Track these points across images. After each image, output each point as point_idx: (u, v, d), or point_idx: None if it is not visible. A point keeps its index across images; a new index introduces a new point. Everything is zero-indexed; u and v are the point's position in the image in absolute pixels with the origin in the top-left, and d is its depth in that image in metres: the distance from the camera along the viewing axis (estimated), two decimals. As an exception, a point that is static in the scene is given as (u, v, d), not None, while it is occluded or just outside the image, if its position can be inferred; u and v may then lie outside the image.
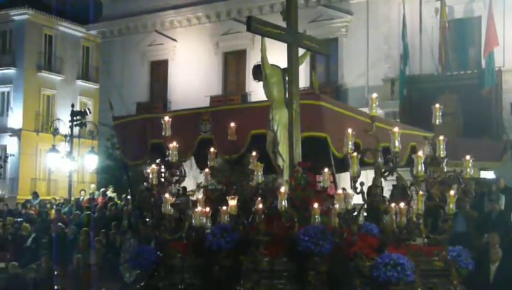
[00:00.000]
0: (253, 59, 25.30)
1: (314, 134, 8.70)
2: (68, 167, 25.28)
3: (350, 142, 6.77)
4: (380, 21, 22.82)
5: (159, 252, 7.11)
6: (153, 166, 7.26)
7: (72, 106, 26.50)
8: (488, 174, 17.33)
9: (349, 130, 6.82)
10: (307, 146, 7.84)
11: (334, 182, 8.36)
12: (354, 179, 6.65)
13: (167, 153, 7.31)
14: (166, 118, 7.52)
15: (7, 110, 36.62)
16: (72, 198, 23.72)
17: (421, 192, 6.50)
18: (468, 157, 7.04)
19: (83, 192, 24.41)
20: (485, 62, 19.95)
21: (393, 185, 8.19)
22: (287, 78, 7.74)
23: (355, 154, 6.61)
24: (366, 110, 12.61)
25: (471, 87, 19.85)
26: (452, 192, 6.65)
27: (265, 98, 7.99)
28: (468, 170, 7.07)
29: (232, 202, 6.76)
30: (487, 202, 14.37)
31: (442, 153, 7.07)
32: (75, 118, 25.34)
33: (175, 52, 27.56)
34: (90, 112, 27.23)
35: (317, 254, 6.08)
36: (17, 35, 36.64)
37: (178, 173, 7.35)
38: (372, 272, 5.86)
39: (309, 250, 6.05)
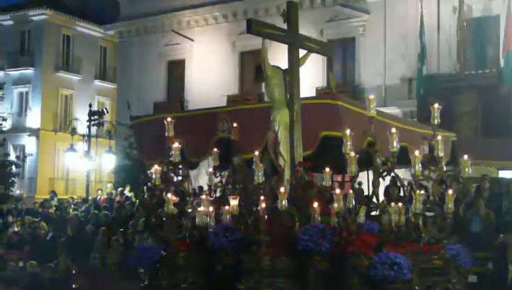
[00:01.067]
0: (271, 58, 25.26)
1: (331, 134, 8.66)
2: (86, 166, 25.43)
3: (349, 143, 6.76)
4: (398, 20, 22.70)
5: (162, 251, 7.19)
6: (156, 166, 7.34)
7: (90, 105, 26.69)
8: (507, 174, 17.17)
9: (348, 131, 6.83)
10: (325, 145, 7.83)
11: (351, 181, 8.37)
12: (352, 179, 6.67)
13: (175, 153, 7.38)
14: (169, 119, 7.64)
15: (26, 110, 36.94)
16: (90, 197, 23.86)
17: (418, 191, 6.56)
18: (465, 157, 7.04)
19: (100, 191, 24.54)
20: (503, 61, 19.78)
21: (386, 186, 8.21)
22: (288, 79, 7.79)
23: (352, 154, 6.62)
24: (383, 109, 12.62)
25: (489, 86, 19.68)
26: (450, 191, 6.70)
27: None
28: (467, 169, 7.01)
29: (234, 202, 6.84)
30: (505, 201, 14.25)
31: (441, 153, 7.07)
32: (92, 118, 25.50)
33: (192, 52, 27.62)
34: (107, 112, 27.41)
35: (317, 253, 6.16)
36: (35, 35, 36.95)
37: (183, 174, 7.57)
38: (369, 271, 5.95)
39: (309, 249, 6.14)
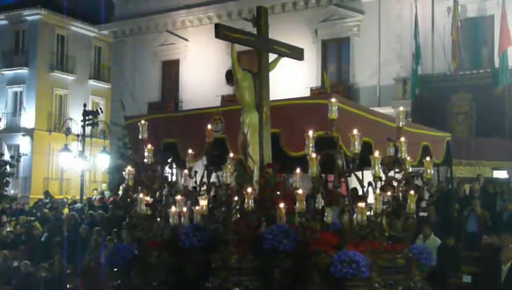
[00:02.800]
0: (264, 59, 25.29)
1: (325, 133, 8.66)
2: (80, 166, 25.38)
3: (311, 145, 6.89)
4: (392, 20, 22.73)
5: (135, 251, 7.39)
6: (129, 168, 7.55)
7: (84, 105, 26.63)
8: (501, 174, 17.23)
9: (310, 133, 6.96)
10: (319, 145, 7.83)
11: (346, 181, 8.39)
12: (312, 180, 6.74)
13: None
14: (143, 121, 7.86)
15: (20, 110, 36.83)
16: (84, 197, 23.81)
17: (378, 192, 6.72)
18: (428, 158, 7.26)
19: (95, 191, 24.51)
20: (498, 61, 19.83)
21: (351, 189, 8.36)
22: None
23: (314, 155, 6.73)
24: (378, 109, 12.62)
25: (484, 87, 19.73)
26: (412, 192, 6.87)
27: (276, 98, 8.01)
28: (429, 170, 7.21)
29: (203, 202, 7.08)
30: (499, 201, 14.30)
31: (404, 155, 7.20)
32: (87, 118, 25.45)
33: (186, 52, 27.60)
34: (102, 112, 27.36)
35: (281, 252, 6.34)
36: (29, 35, 36.85)
37: (155, 175, 7.70)
38: (329, 269, 6.17)
39: (273, 248, 6.34)
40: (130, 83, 28.76)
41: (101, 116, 27.95)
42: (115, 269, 7.65)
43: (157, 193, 7.89)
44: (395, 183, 6.99)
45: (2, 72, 37.13)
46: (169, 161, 8.70)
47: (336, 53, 24.61)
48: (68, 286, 13.56)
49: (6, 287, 14.72)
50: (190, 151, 7.98)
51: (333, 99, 7.34)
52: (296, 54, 8.86)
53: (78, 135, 26.07)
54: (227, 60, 28.56)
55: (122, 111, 12.37)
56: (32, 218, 20.74)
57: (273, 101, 8.54)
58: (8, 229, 19.42)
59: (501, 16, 19.90)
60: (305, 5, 24.67)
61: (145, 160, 7.62)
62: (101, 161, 26.50)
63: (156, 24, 28.39)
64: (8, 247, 17.76)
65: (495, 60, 20.34)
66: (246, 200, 6.67)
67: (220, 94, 24.81)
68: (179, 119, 10.88)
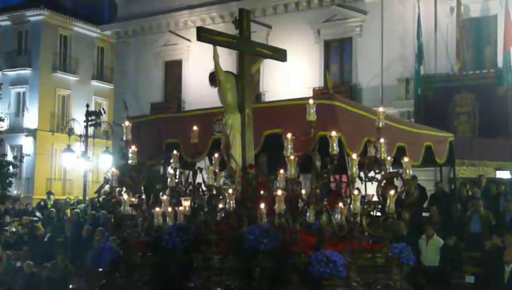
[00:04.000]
0: (268, 59, 25.25)
1: (328, 134, 8.67)
2: (83, 166, 25.40)
3: (290, 146, 6.97)
4: (395, 20, 22.71)
5: (120, 251, 7.51)
6: (113, 169, 7.78)
7: (87, 106, 26.64)
8: (504, 174, 17.19)
9: (289, 135, 7.04)
10: (322, 146, 7.83)
11: (348, 182, 8.41)
12: (290, 181, 6.81)
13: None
14: (127, 123, 7.95)
15: (23, 111, 36.87)
16: (87, 198, 23.82)
17: (355, 192, 6.85)
18: (406, 159, 7.27)
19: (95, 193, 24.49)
20: (501, 61, 19.80)
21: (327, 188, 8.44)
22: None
23: (292, 157, 6.80)
24: (381, 109, 12.50)
25: (487, 87, 19.70)
26: (392, 192, 6.95)
27: (279, 98, 8.02)
28: (408, 171, 7.19)
29: (186, 203, 7.16)
30: (502, 202, 14.27)
31: (384, 156, 7.35)
32: (90, 118, 25.46)
33: (189, 52, 27.58)
34: (104, 112, 27.38)
35: (261, 252, 6.43)
36: (32, 36, 36.88)
37: (139, 177, 7.85)
38: (307, 269, 6.28)
39: (253, 248, 6.42)
40: (133, 83, 28.79)
41: (104, 117, 27.95)
42: (100, 269, 7.78)
43: (160, 193, 7.93)
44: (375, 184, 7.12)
45: (5, 72, 37.15)
46: (171, 161, 8.71)
47: (338, 53, 24.58)
48: (71, 286, 13.56)
49: (10, 288, 14.75)
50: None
51: (311, 101, 7.46)
52: (279, 55, 8.98)
53: (80, 136, 26.10)
54: (230, 60, 28.67)
55: (125, 111, 12.37)
56: (35, 218, 20.76)
57: (275, 101, 8.57)
58: (13, 229, 19.44)
59: (504, 15, 19.87)
60: (308, 6, 24.64)
61: (129, 161, 7.77)
62: (104, 161, 26.52)
63: (159, 24, 28.40)
64: (11, 247, 17.79)
65: (498, 59, 20.31)
66: (227, 201, 6.78)
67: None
68: (182, 120, 10.90)
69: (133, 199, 7.44)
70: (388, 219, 7.00)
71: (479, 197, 13.98)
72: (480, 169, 15.46)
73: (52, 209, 21.72)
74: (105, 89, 38.81)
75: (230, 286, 6.58)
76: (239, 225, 6.82)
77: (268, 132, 9.05)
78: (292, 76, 23.55)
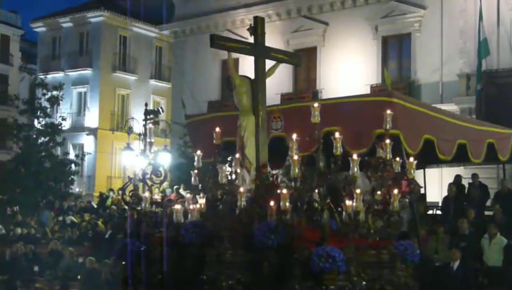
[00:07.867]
0: (324, 56, 25.15)
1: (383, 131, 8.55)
2: (142, 164, 25.74)
3: (295, 148, 7.23)
4: (455, 15, 22.22)
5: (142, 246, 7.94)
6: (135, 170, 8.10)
7: (146, 105, 27.00)
8: None
9: (294, 136, 7.27)
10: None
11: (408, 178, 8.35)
12: (294, 180, 7.01)
13: None
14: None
15: (84, 110, 37.78)
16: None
17: (357, 191, 6.95)
18: (411, 159, 7.54)
19: (156, 189, 24.80)
20: None
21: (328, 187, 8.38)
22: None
23: (296, 157, 7.01)
24: (440, 106, 12.36)
25: (552, 82, 19.09)
26: (396, 191, 7.21)
27: (335, 96, 7.99)
28: (411, 171, 7.56)
29: (201, 200, 7.61)
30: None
31: (389, 156, 7.57)
32: (148, 117, 25.81)
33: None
34: (163, 111, 27.66)
35: (268, 247, 6.74)
36: (93, 37, 37.76)
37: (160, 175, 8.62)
38: (309, 263, 6.54)
39: (262, 243, 6.74)
40: (190, 82, 29.08)
41: (162, 116, 28.30)
42: (123, 263, 8.18)
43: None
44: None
45: (67, 73, 38.13)
46: (229, 159, 8.77)
47: (396, 49, 24.23)
48: (130, 281, 13.77)
49: (73, 282, 15.13)
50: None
51: (316, 104, 7.70)
52: (295, 59, 9.45)
53: (139, 134, 26.49)
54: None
55: (183, 110, 12.55)
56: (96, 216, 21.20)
57: (333, 98, 8.53)
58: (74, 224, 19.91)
59: None
60: (365, 1, 24.37)
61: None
62: (162, 160, 26.83)
63: (216, 23, 28.58)
64: (73, 243, 18.25)
65: None
66: (239, 199, 7.11)
67: (279, 92, 24.81)
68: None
69: (156, 197, 7.73)
70: (392, 216, 7.25)
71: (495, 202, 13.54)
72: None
73: (113, 206, 22.13)
74: (163, 88, 39.36)
75: (240, 279, 6.89)
76: (250, 222, 7.10)
77: (327, 129, 8.96)
78: (349, 73, 23.34)
